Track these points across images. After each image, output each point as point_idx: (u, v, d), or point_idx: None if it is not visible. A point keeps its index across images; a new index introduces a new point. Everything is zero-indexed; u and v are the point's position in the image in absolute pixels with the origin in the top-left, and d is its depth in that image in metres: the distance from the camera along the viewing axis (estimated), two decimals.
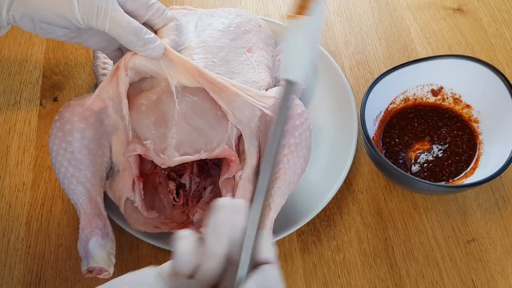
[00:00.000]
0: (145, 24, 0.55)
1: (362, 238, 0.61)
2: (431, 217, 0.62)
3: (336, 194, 0.64)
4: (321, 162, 0.64)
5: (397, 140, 0.65)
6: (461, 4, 0.81)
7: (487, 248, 0.60)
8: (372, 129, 0.64)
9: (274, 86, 0.62)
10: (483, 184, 0.55)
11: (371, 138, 0.62)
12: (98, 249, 0.53)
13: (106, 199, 0.58)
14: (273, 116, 0.54)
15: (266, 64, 0.62)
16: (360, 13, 0.81)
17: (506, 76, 0.62)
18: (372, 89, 0.62)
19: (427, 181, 0.58)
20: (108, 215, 0.57)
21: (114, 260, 0.54)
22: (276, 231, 0.58)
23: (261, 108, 0.55)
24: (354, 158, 0.66)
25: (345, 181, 0.65)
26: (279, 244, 0.61)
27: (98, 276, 0.53)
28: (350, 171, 0.65)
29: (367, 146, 0.59)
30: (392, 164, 0.57)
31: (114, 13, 0.51)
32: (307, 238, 0.61)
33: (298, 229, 0.62)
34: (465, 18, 0.79)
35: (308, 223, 0.62)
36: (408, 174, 0.58)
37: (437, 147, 0.65)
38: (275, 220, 0.55)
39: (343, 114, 0.67)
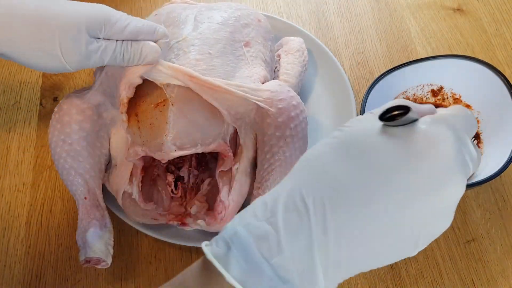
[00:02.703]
0: None
1: None
2: None
3: None
4: None
5: None
6: (461, 4, 0.81)
7: (487, 248, 0.60)
8: None
9: (272, 79, 0.62)
10: (483, 184, 0.55)
11: None
12: (96, 240, 0.53)
13: (106, 190, 0.58)
14: (268, 108, 0.54)
15: (262, 58, 0.62)
16: (360, 13, 0.81)
17: (506, 76, 0.61)
18: (372, 88, 0.62)
19: None
20: (107, 207, 0.57)
21: (112, 251, 0.55)
22: None
23: (256, 102, 0.55)
24: None
25: None
26: None
27: (96, 266, 0.54)
28: None
29: None
30: None
31: (103, 58, 0.51)
32: None
33: None
34: (465, 18, 0.79)
35: None
36: None
37: None
38: None
39: (343, 111, 0.68)
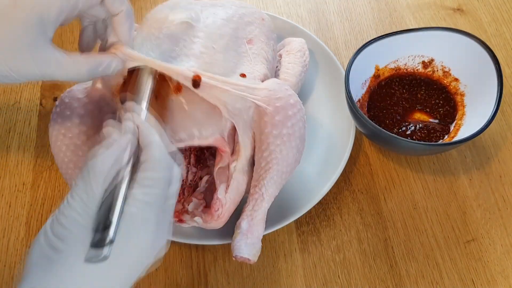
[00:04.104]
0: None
1: (362, 238, 0.61)
2: (431, 217, 0.62)
3: (336, 194, 0.64)
4: (319, 156, 0.65)
5: (388, 108, 0.67)
6: (461, 4, 0.81)
7: (487, 248, 0.60)
8: (359, 92, 0.67)
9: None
10: (466, 142, 0.58)
11: (358, 100, 0.65)
12: None
13: None
14: (265, 106, 0.54)
15: (264, 56, 0.62)
16: (360, 13, 0.81)
17: (494, 52, 0.63)
18: (360, 52, 0.64)
19: (407, 140, 0.61)
20: None
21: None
22: (273, 222, 0.58)
23: (253, 100, 0.55)
24: (354, 159, 0.66)
25: (345, 181, 0.65)
26: (279, 244, 0.61)
27: None
28: (350, 171, 0.66)
29: (348, 103, 0.62)
30: (372, 122, 0.59)
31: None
32: (307, 238, 0.61)
33: (299, 229, 0.62)
34: (465, 18, 0.79)
35: (308, 223, 0.62)
36: (385, 130, 0.60)
37: (419, 115, 0.67)
38: (272, 211, 0.55)
39: (343, 111, 0.68)
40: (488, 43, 0.65)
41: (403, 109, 0.67)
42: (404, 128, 0.66)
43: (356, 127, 0.65)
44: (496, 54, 0.63)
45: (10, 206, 0.65)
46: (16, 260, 0.61)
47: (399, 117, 0.67)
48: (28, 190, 0.66)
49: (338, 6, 0.82)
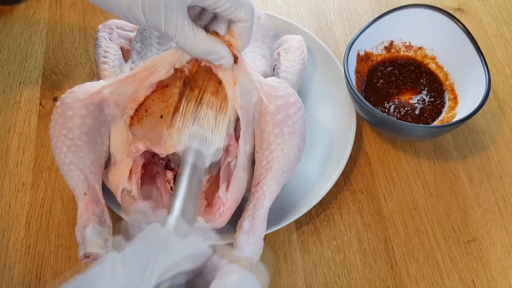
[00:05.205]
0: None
1: (362, 238, 0.61)
2: (431, 217, 0.62)
3: (336, 194, 0.64)
4: (319, 156, 0.65)
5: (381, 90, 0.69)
6: (461, 4, 0.81)
7: (487, 248, 0.60)
8: (353, 78, 0.68)
9: (271, 76, 0.63)
10: (461, 124, 0.59)
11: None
12: (95, 236, 0.54)
13: (105, 188, 0.58)
14: (267, 104, 0.54)
15: (262, 54, 0.63)
16: (360, 13, 0.81)
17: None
18: (354, 42, 0.66)
19: (410, 123, 0.61)
20: (106, 203, 0.58)
21: (111, 247, 0.55)
22: (273, 222, 0.58)
23: (261, 94, 0.55)
24: (354, 159, 0.66)
25: (345, 181, 0.65)
26: (279, 244, 0.61)
27: (95, 262, 0.54)
28: (350, 171, 0.66)
29: (351, 92, 0.63)
30: (373, 107, 0.61)
31: (182, 32, 0.50)
32: (307, 238, 0.61)
33: (299, 229, 0.62)
34: (465, 18, 0.79)
35: (308, 223, 0.62)
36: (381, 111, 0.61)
37: (415, 99, 0.69)
38: (272, 212, 0.55)
39: (341, 110, 0.68)
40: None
41: (399, 92, 0.69)
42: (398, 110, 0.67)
43: (356, 127, 0.65)
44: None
45: (10, 206, 0.65)
46: (16, 260, 0.61)
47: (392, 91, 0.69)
48: (28, 190, 0.66)
49: (338, 6, 0.82)
